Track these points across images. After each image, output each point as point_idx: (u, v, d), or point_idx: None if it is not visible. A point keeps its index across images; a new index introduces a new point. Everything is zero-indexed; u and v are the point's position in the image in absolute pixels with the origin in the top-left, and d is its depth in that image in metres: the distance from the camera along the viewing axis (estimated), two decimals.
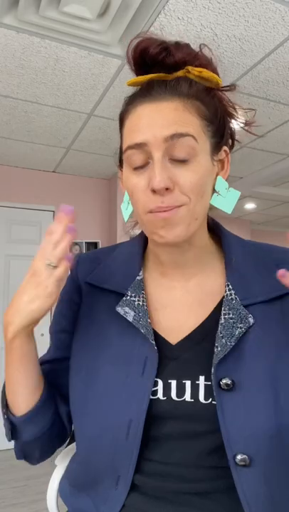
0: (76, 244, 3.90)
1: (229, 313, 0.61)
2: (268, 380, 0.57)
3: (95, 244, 3.98)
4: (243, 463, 0.55)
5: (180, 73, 0.61)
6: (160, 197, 0.57)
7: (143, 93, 0.61)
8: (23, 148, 3.30)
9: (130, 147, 0.58)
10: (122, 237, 3.88)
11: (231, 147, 0.68)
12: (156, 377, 0.60)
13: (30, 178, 3.78)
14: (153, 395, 0.60)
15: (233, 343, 0.59)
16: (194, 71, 0.61)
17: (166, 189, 0.56)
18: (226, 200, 0.63)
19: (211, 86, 0.63)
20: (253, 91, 2.30)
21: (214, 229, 0.72)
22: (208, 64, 0.63)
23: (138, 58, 0.63)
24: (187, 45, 0.65)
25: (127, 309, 0.64)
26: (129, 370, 0.61)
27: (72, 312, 0.72)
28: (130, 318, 0.63)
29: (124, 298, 0.65)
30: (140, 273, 0.68)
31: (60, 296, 0.74)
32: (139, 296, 0.65)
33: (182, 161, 0.57)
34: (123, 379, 0.61)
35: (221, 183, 0.63)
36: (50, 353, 0.75)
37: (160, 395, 0.60)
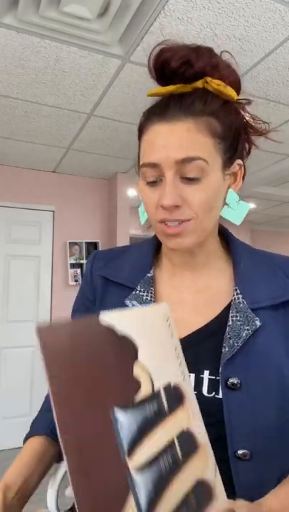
0: (76, 244, 3.90)
1: (237, 316, 0.64)
2: (275, 381, 0.61)
3: (95, 244, 3.98)
4: (244, 457, 0.59)
5: (199, 84, 0.64)
6: (169, 211, 0.62)
7: (160, 112, 0.64)
8: (23, 148, 3.30)
9: (145, 165, 0.64)
10: (122, 237, 3.88)
11: (247, 154, 0.70)
12: None
13: (30, 178, 3.78)
14: None
15: (240, 344, 0.62)
16: (212, 83, 0.63)
17: (176, 206, 0.61)
18: (235, 212, 0.66)
19: (228, 99, 0.65)
20: (253, 91, 2.30)
21: (223, 234, 0.76)
22: (230, 74, 0.66)
23: (159, 69, 0.65)
24: (209, 52, 0.66)
25: (134, 302, 0.69)
26: None
27: (84, 307, 0.79)
28: None
29: (133, 292, 0.70)
30: (151, 271, 0.73)
31: (79, 290, 0.82)
32: (147, 292, 0.70)
33: (192, 180, 0.61)
34: None
35: (232, 196, 0.66)
36: None
37: None
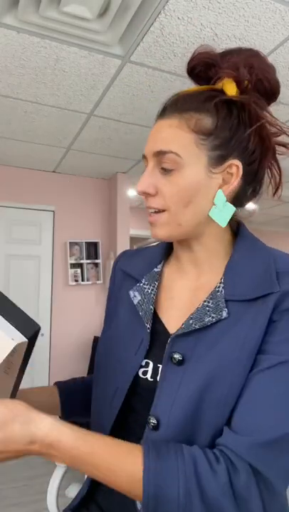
0: (76, 244, 3.90)
1: (209, 302, 0.66)
2: (214, 370, 0.61)
3: (95, 244, 3.98)
4: (153, 425, 0.62)
5: (218, 86, 0.67)
6: (145, 198, 0.68)
7: (161, 110, 0.71)
8: (23, 148, 3.30)
9: (142, 156, 0.71)
10: (122, 237, 3.88)
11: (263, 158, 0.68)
12: (148, 358, 0.69)
13: (30, 178, 3.78)
14: (143, 375, 0.69)
15: (197, 327, 0.63)
16: (222, 82, 0.67)
17: (149, 194, 0.67)
18: (221, 213, 0.67)
19: (234, 98, 0.65)
20: None
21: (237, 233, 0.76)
22: (259, 73, 0.66)
23: (189, 73, 0.71)
24: (239, 52, 0.67)
25: (136, 294, 0.74)
26: (127, 347, 0.71)
27: (109, 301, 0.87)
28: (135, 301, 0.73)
29: (138, 284, 0.76)
30: (159, 266, 0.77)
31: (109, 293, 0.89)
32: (150, 285, 0.74)
33: (166, 171, 0.65)
34: (121, 353, 0.72)
35: (219, 197, 0.67)
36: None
37: (149, 375, 0.68)
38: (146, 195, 0.67)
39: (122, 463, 0.55)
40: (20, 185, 3.73)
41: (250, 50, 0.68)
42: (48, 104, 2.54)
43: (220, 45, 1.88)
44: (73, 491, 0.88)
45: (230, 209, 0.67)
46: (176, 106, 0.67)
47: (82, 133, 2.97)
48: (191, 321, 0.65)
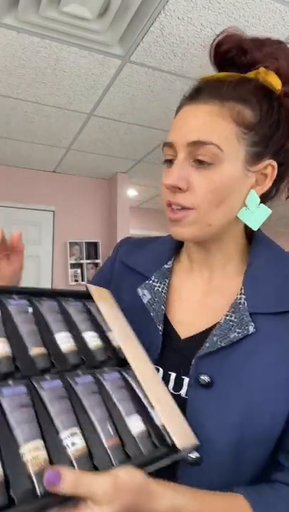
0: (76, 244, 3.90)
1: (231, 316, 0.60)
2: (248, 392, 0.56)
3: (95, 244, 3.98)
4: (193, 459, 0.56)
5: (250, 74, 0.61)
6: (172, 193, 0.60)
7: (191, 94, 0.62)
8: (23, 148, 3.30)
9: (164, 144, 0.62)
10: (122, 237, 3.87)
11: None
12: (158, 364, 0.63)
13: (30, 178, 3.78)
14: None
15: (223, 345, 0.58)
16: (262, 73, 0.59)
17: (179, 188, 0.58)
18: (253, 215, 0.61)
19: (276, 92, 0.60)
20: None
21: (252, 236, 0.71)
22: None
23: (213, 55, 0.63)
24: (276, 43, 0.61)
25: (146, 292, 0.69)
26: None
27: (102, 284, 0.79)
28: (145, 300, 0.68)
29: (147, 281, 0.70)
30: (169, 262, 0.71)
31: (100, 268, 0.84)
32: (161, 283, 0.69)
33: (202, 164, 0.57)
34: None
35: (252, 198, 0.60)
36: None
37: (170, 387, 0.62)
38: (175, 189, 0.59)
39: None
40: (21, 185, 3.73)
41: (280, 41, 0.62)
42: (48, 104, 2.54)
43: None
44: None
45: (265, 212, 0.61)
46: (215, 91, 0.58)
47: (82, 133, 2.97)
48: (215, 338, 0.59)
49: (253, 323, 0.58)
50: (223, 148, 0.56)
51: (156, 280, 0.69)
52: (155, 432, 0.51)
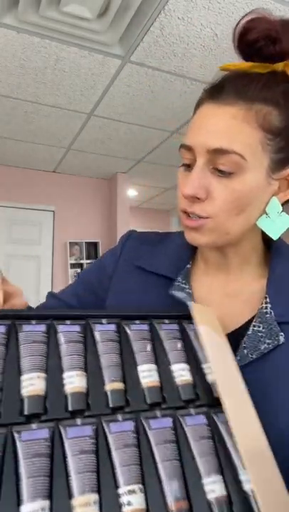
0: (76, 244, 3.90)
1: (259, 326, 0.58)
2: (285, 405, 0.53)
3: (95, 244, 3.98)
4: None
5: (279, 66, 0.55)
6: (189, 202, 0.56)
7: (213, 91, 0.56)
8: (23, 148, 3.30)
9: (182, 146, 0.57)
10: None
11: None
12: None
13: (30, 178, 3.78)
14: None
15: (254, 357, 0.56)
16: (278, 65, 0.54)
17: (197, 198, 0.55)
18: (274, 224, 0.57)
19: None
20: None
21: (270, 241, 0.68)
22: None
23: (237, 43, 0.57)
24: None
25: (181, 294, 0.64)
26: None
27: (96, 279, 0.74)
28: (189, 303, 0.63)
29: (175, 283, 0.65)
30: (190, 262, 0.68)
31: (98, 260, 0.77)
32: (187, 284, 0.65)
33: (223, 174, 0.53)
34: None
35: (274, 206, 0.56)
36: (65, 293, 0.75)
37: None
38: (194, 199, 0.55)
39: None
40: (21, 185, 3.73)
41: None
42: (48, 104, 2.54)
43: (220, 45, 1.89)
44: None
45: (287, 221, 0.57)
46: (242, 90, 0.53)
47: (82, 133, 2.97)
48: (245, 351, 0.56)
49: (282, 333, 0.56)
50: (247, 157, 0.52)
51: (183, 282, 0.65)
52: (240, 500, 0.42)
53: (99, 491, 0.39)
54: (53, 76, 2.20)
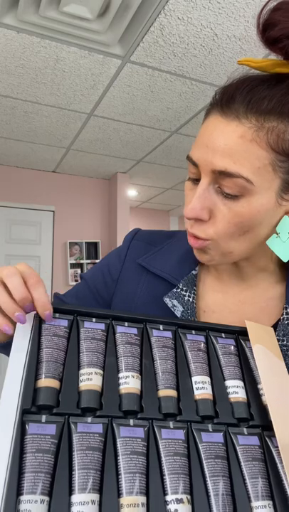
0: (76, 244, 3.90)
1: (284, 340, 0.55)
2: None
3: (95, 244, 3.98)
4: None
5: None
6: (190, 222, 0.54)
7: (224, 101, 0.50)
8: (23, 148, 3.30)
9: (188, 158, 0.54)
10: (122, 237, 3.88)
11: None
12: None
13: (30, 178, 3.78)
14: None
15: None
16: None
17: (201, 220, 0.52)
18: (284, 245, 0.53)
19: None
20: None
21: None
22: None
23: (261, 35, 0.49)
24: None
25: (175, 302, 0.61)
26: None
27: (101, 281, 0.71)
28: (178, 314, 0.60)
29: (174, 290, 0.62)
30: (196, 268, 0.64)
31: (103, 261, 0.73)
32: (190, 292, 0.62)
33: (229, 197, 0.50)
34: None
35: (285, 225, 0.52)
36: (68, 296, 0.73)
37: None
38: (196, 220, 0.52)
39: None
40: (21, 185, 3.73)
41: None
42: (48, 104, 2.54)
43: (220, 45, 1.89)
44: None
45: None
46: (253, 103, 0.48)
47: (82, 133, 2.97)
48: None
49: None
50: (254, 181, 0.48)
51: (184, 289, 0.62)
52: None
53: (147, 494, 0.39)
54: (53, 76, 2.20)
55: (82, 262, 3.88)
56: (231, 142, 0.48)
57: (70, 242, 3.86)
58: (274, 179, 0.49)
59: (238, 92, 0.49)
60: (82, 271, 3.87)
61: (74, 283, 3.79)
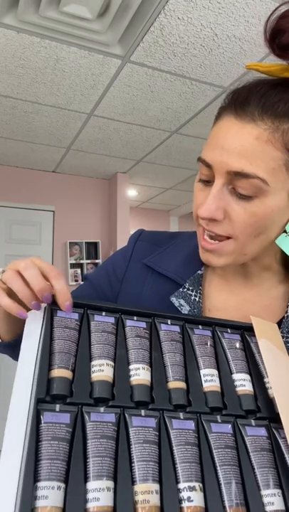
0: (76, 244, 3.90)
1: (288, 337, 0.56)
2: None
3: (95, 244, 3.98)
4: None
5: None
6: (205, 221, 0.54)
7: (238, 103, 0.51)
8: (23, 148, 3.30)
9: (200, 160, 0.54)
10: (122, 237, 3.88)
11: None
12: None
13: (30, 178, 3.78)
14: None
15: None
16: None
17: (216, 220, 0.53)
18: None
19: None
20: None
21: None
22: None
23: (269, 41, 0.50)
24: None
25: (182, 302, 0.62)
26: None
27: (106, 281, 0.71)
28: (185, 313, 0.61)
29: (180, 289, 0.63)
30: (202, 268, 0.65)
31: (107, 262, 0.74)
32: (196, 292, 0.63)
33: (244, 198, 0.51)
34: None
35: None
36: (73, 296, 0.72)
37: None
38: (211, 221, 0.53)
39: None
40: (20, 185, 3.73)
41: None
42: (48, 104, 2.54)
43: (220, 45, 1.89)
44: None
45: None
46: (267, 105, 0.49)
47: (82, 133, 2.97)
48: None
49: None
50: (269, 182, 0.49)
51: (190, 288, 0.63)
52: None
53: (160, 482, 0.40)
54: (53, 76, 2.20)
55: (82, 262, 3.88)
56: (247, 143, 0.49)
57: (70, 242, 3.86)
58: (287, 179, 0.50)
59: (252, 95, 0.50)
60: (82, 271, 3.87)
61: (74, 283, 3.79)
